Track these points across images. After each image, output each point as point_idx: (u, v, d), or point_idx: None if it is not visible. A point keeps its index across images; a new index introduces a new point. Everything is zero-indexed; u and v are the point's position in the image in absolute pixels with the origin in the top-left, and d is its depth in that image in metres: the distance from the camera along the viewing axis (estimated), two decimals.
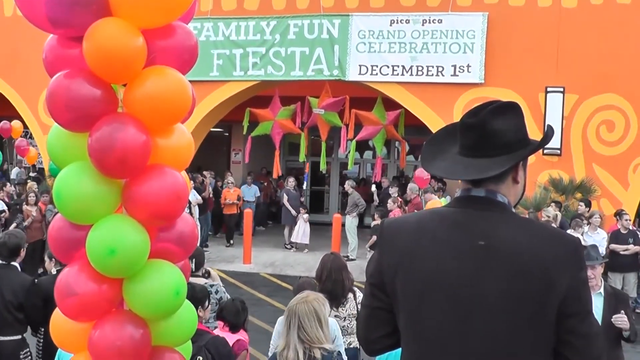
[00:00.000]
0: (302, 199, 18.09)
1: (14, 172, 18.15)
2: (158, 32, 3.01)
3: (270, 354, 4.76)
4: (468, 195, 2.35)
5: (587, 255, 6.21)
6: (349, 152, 17.29)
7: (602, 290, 6.18)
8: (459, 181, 2.44)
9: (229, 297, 6.08)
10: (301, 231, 16.83)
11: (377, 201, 17.26)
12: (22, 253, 6.12)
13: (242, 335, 5.37)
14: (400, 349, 2.47)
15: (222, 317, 5.42)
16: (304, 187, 18.38)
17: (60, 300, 3.05)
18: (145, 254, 3.00)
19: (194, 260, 5.90)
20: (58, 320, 3.25)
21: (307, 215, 16.90)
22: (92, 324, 3.10)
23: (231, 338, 5.13)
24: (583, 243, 8.77)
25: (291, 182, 17.73)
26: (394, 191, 15.21)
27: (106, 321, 3.07)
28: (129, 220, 2.97)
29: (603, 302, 6.10)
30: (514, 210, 2.37)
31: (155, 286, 3.04)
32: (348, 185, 16.77)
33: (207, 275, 6.40)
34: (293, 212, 17.17)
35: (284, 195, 17.50)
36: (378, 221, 13.51)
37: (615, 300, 6.13)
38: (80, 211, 2.95)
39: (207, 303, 4.93)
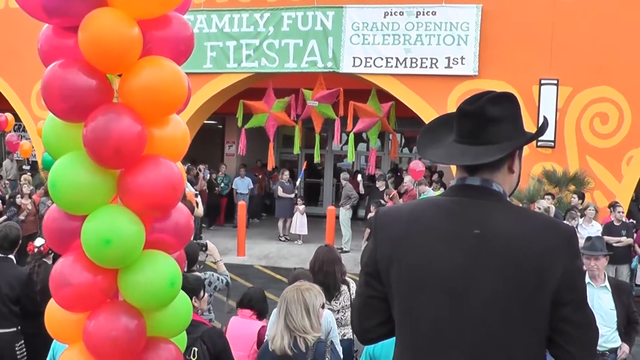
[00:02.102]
0: (296, 192, 18.01)
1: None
2: (154, 23, 3.00)
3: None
4: (463, 183, 2.36)
5: (591, 246, 6.25)
6: (345, 144, 17.31)
7: (606, 283, 6.19)
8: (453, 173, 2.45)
9: (224, 278, 6.10)
10: (298, 223, 16.91)
11: (364, 192, 17.36)
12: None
13: (264, 322, 5.55)
14: (392, 339, 2.48)
15: (251, 306, 5.56)
16: (297, 182, 18.32)
17: (55, 291, 3.05)
18: (140, 244, 3.00)
19: (187, 261, 5.87)
20: (53, 311, 3.25)
21: (303, 206, 16.95)
22: (87, 314, 3.10)
23: (257, 325, 5.34)
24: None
25: (286, 175, 17.75)
26: (380, 185, 15.27)
27: (101, 312, 3.06)
28: (124, 211, 2.97)
29: (612, 296, 6.14)
30: (509, 199, 2.38)
31: (150, 277, 3.04)
32: (342, 178, 16.84)
33: (204, 248, 6.36)
34: (293, 194, 17.40)
35: (279, 187, 17.51)
36: None
37: (619, 291, 6.19)
38: (75, 201, 2.94)
39: (202, 293, 4.92)
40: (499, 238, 2.19)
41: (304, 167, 18.28)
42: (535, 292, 2.15)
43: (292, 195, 17.57)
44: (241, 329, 5.56)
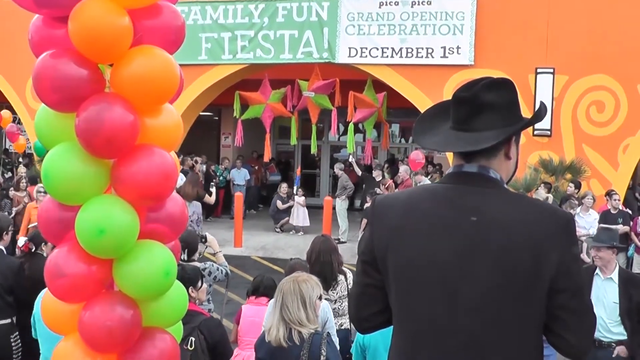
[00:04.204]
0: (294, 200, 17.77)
1: None
2: (144, 12, 2.98)
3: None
4: (460, 171, 2.35)
5: (596, 237, 6.21)
6: (342, 135, 17.26)
7: (613, 275, 6.08)
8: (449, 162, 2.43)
9: (224, 269, 6.12)
10: (294, 214, 16.90)
11: (360, 173, 17.33)
12: (6, 237, 6.11)
13: None
14: (386, 328, 2.48)
15: (266, 294, 5.69)
16: (294, 190, 18.24)
17: (50, 282, 3.04)
18: (135, 234, 2.99)
19: (186, 250, 5.88)
20: (48, 302, 3.24)
21: (302, 198, 16.92)
22: (83, 305, 3.09)
23: None
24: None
25: (284, 188, 17.63)
26: (377, 174, 15.25)
27: (96, 302, 3.05)
28: (118, 201, 2.96)
29: (618, 290, 6.03)
30: (506, 186, 2.36)
31: (144, 267, 3.03)
32: (337, 169, 16.80)
33: (204, 240, 6.37)
34: (292, 201, 17.28)
35: (278, 201, 17.43)
36: None
37: (627, 285, 6.06)
38: (69, 192, 2.93)
39: (200, 283, 4.90)
40: (496, 225, 2.19)
41: (298, 174, 18.22)
42: (531, 281, 2.15)
43: (292, 203, 17.48)
44: (256, 316, 5.65)
